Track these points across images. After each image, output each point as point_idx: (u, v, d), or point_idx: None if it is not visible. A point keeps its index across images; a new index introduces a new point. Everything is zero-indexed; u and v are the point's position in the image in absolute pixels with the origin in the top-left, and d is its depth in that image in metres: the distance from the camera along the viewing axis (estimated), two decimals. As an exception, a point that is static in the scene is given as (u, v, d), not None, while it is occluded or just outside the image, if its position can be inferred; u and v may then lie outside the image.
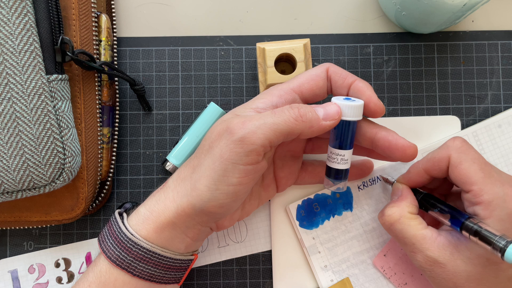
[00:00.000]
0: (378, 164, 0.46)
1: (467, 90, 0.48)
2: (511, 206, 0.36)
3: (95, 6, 0.43)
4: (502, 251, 0.33)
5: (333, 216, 0.46)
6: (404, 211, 0.39)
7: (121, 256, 0.37)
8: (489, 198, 0.36)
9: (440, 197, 0.42)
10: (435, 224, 0.41)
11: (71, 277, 0.46)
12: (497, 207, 0.36)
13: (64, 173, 0.39)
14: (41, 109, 0.38)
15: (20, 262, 0.46)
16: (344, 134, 0.38)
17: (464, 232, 0.36)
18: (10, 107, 0.37)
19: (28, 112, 0.38)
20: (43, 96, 0.38)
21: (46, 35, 0.38)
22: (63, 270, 0.46)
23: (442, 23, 0.43)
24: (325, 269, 0.45)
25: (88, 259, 0.46)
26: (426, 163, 0.40)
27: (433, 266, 0.38)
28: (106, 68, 0.43)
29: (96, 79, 0.43)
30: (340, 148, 0.38)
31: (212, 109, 0.45)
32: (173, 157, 0.45)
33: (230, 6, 0.48)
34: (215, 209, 0.36)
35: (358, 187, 0.46)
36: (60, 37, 0.39)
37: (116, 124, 0.46)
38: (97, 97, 0.43)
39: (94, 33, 0.43)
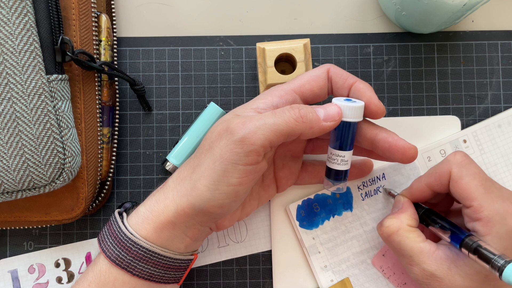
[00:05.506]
0: (378, 164, 0.46)
1: (467, 90, 0.48)
2: (511, 223, 0.36)
3: (95, 6, 0.43)
4: (500, 270, 0.33)
5: (333, 216, 0.46)
6: (403, 223, 0.39)
7: (120, 256, 0.37)
8: (488, 214, 0.36)
9: (440, 213, 0.41)
10: (435, 239, 0.41)
11: (71, 277, 0.46)
12: (497, 223, 0.36)
13: (64, 173, 0.39)
14: (41, 109, 0.38)
15: (20, 262, 0.46)
16: (345, 135, 0.38)
17: (463, 250, 0.36)
18: (10, 107, 0.37)
19: (28, 112, 0.37)
20: (43, 96, 0.38)
21: (46, 35, 0.38)
22: (63, 270, 0.46)
23: (442, 23, 0.43)
24: (325, 269, 0.45)
25: (88, 259, 0.46)
26: (428, 177, 0.40)
27: (430, 280, 0.38)
28: (106, 68, 0.43)
29: (96, 79, 0.43)
30: (340, 149, 0.38)
31: (212, 109, 0.45)
32: (173, 157, 0.45)
33: (230, 6, 0.48)
34: (215, 209, 0.36)
35: (358, 187, 0.46)
36: (60, 37, 0.39)
37: (116, 124, 0.46)
38: (97, 97, 0.43)
39: (94, 33, 0.43)
